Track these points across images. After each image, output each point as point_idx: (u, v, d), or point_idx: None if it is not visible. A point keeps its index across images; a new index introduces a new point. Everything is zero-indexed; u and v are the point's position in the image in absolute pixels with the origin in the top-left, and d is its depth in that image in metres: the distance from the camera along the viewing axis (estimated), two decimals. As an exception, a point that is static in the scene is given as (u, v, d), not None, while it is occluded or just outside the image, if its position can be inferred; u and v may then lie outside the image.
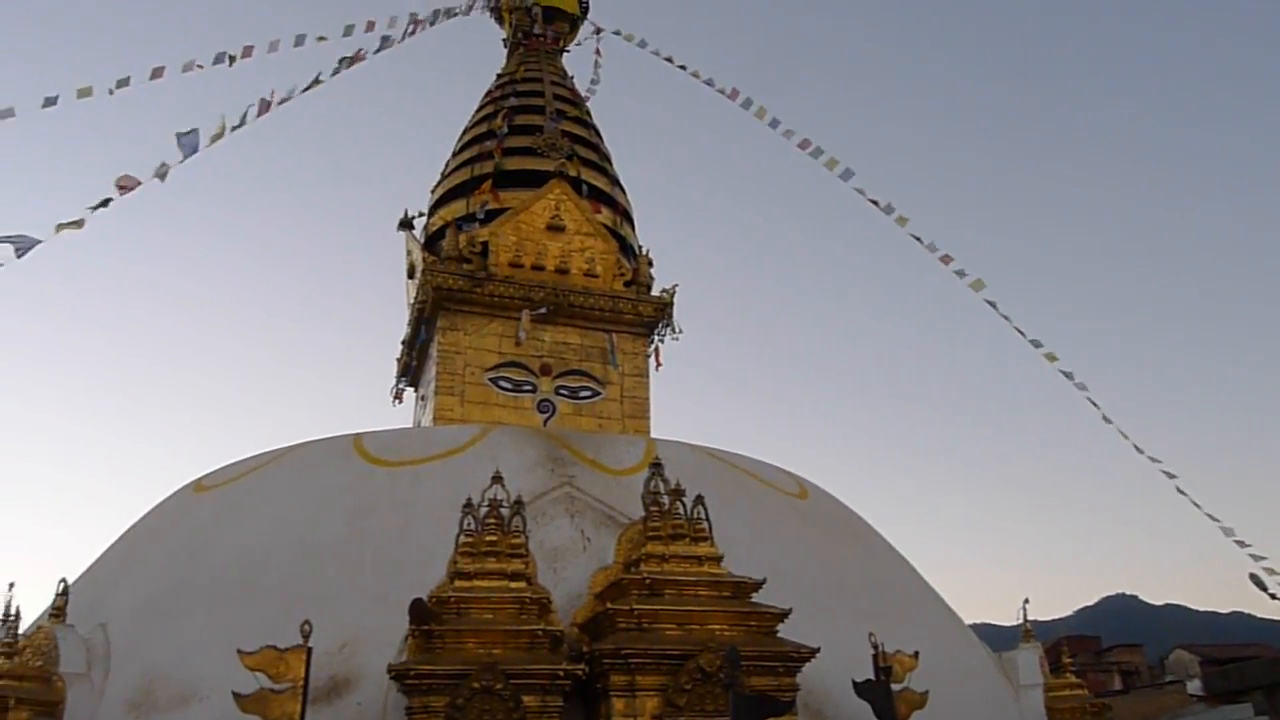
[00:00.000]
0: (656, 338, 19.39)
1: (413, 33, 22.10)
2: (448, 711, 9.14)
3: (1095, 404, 18.85)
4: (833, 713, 11.18)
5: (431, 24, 22.60)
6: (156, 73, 18.01)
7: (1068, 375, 19.14)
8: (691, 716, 9.62)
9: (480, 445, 14.30)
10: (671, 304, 19.33)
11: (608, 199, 20.35)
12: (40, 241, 13.28)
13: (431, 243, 19.60)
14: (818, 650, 10.24)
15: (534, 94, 21.37)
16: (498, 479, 10.95)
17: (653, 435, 17.68)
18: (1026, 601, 13.80)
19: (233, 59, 19.03)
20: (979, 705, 12.73)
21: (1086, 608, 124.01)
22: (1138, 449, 18.35)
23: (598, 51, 24.24)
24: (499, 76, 22.84)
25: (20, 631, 10.81)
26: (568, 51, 24.20)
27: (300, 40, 20.23)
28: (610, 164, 21.37)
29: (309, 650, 9.21)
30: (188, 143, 16.30)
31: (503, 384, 17.78)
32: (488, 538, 10.40)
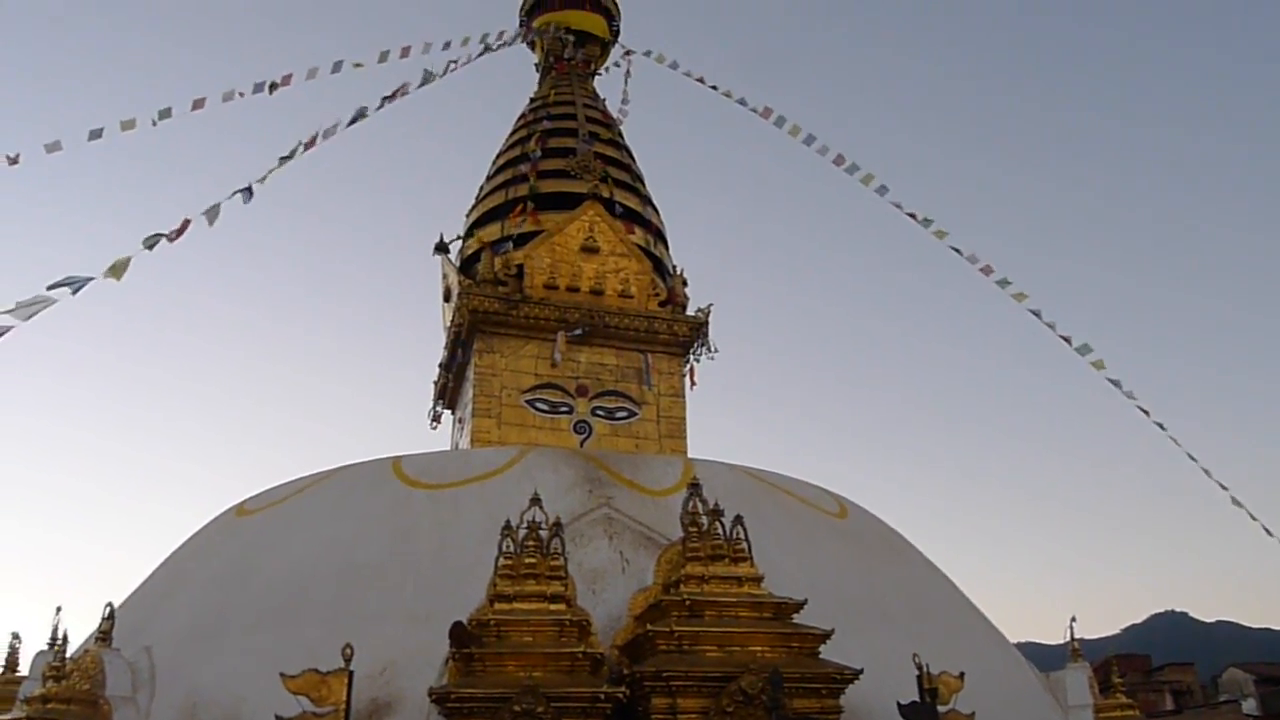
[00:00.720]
0: (692, 357, 19.40)
1: (454, 69, 22.41)
2: (489, 735, 9.10)
3: (1145, 411, 18.56)
4: (877, 735, 11.02)
5: (469, 61, 22.89)
6: (198, 104, 18.42)
7: (1115, 383, 18.85)
8: (734, 739, 9.49)
9: (518, 467, 14.34)
10: (707, 323, 19.35)
11: (641, 219, 20.44)
12: (92, 279, 13.58)
13: (467, 266, 19.76)
14: (861, 671, 10.09)
15: (566, 117, 21.57)
16: (536, 501, 10.95)
17: (690, 455, 17.67)
18: (1074, 619, 13.47)
19: (274, 86, 19.40)
20: (1027, 727, 12.50)
21: (1134, 625, 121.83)
22: (1191, 457, 18.06)
23: (628, 74, 24.47)
24: (531, 100, 23.08)
25: (68, 655, 11.00)
26: (599, 74, 24.43)
27: (338, 67, 20.60)
28: (643, 184, 21.48)
29: (351, 674, 9.28)
30: (245, 196, 16.74)
31: (539, 405, 17.85)
32: (527, 560, 10.38)
